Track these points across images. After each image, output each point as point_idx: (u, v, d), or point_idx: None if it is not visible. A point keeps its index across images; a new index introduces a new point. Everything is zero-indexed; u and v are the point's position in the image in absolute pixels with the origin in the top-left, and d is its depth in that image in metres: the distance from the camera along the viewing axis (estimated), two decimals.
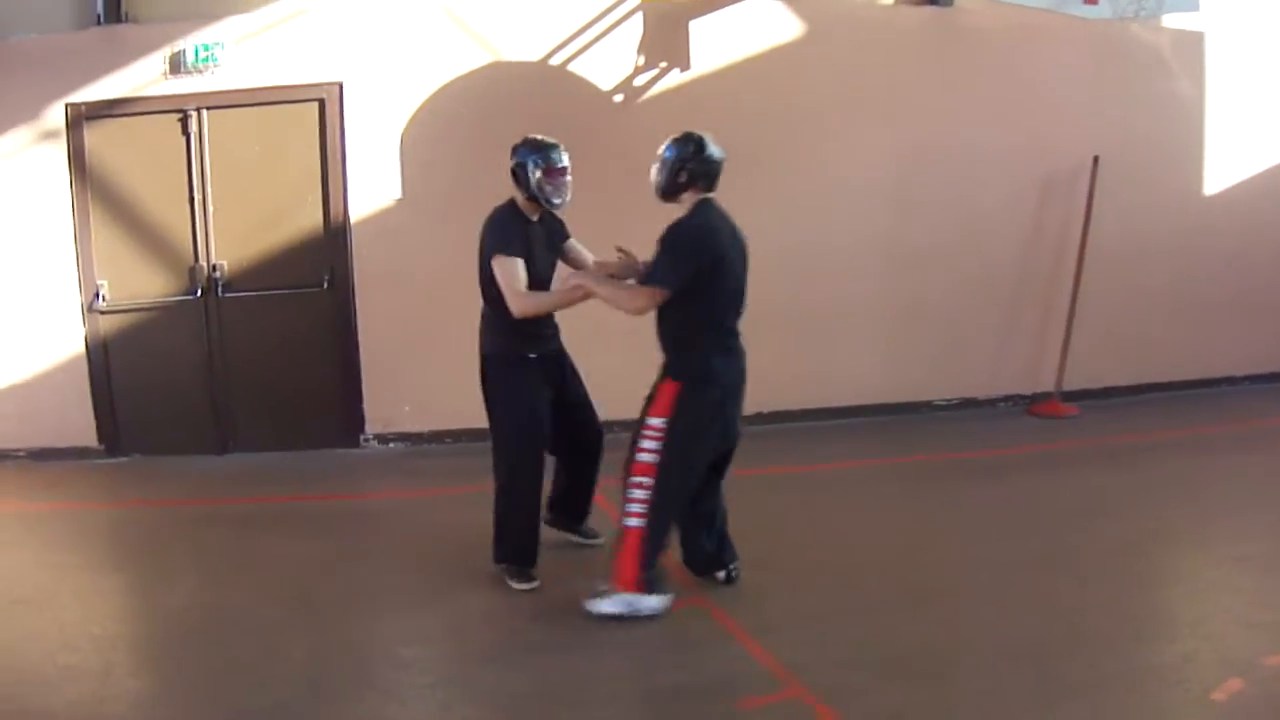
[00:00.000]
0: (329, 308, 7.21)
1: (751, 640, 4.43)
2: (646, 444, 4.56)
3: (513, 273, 4.83)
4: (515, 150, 5.07)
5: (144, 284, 7.08)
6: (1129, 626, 4.51)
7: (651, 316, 4.64)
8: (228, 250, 7.06)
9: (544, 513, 5.24)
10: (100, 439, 7.20)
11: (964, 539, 5.56)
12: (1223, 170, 7.81)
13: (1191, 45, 7.61)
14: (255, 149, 6.98)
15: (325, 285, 7.17)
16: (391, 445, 7.37)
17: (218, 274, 7.07)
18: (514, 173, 5.04)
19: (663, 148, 4.65)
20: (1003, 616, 4.63)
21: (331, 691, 4.14)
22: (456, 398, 7.31)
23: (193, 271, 7.06)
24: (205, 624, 4.73)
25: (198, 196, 6.96)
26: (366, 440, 7.35)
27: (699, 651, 4.36)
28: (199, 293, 7.08)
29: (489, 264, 4.92)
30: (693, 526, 4.87)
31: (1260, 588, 4.80)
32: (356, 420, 7.33)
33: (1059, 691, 3.96)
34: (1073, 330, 7.65)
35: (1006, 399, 7.92)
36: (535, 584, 4.97)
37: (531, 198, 4.99)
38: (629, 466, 4.61)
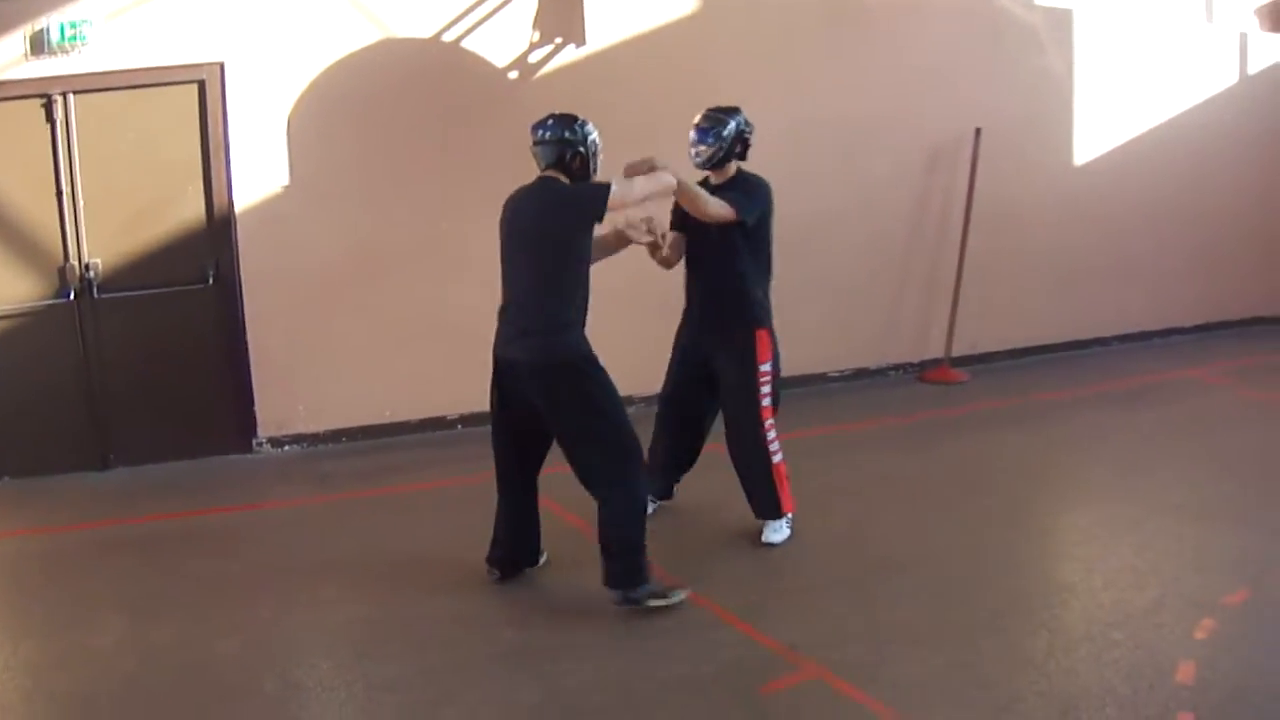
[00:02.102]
0: (214, 305, 6.71)
1: (745, 624, 4.40)
2: (764, 389, 5.09)
3: (629, 181, 4.56)
4: (578, 126, 4.54)
5: (8, 288, 6.38)
6: (1097, 577, 4.74)
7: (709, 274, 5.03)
8: (102, 247, 6.45)
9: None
10: None
11: (907, 505, 5.69)
12: (1092, 141, 8.22)
13: (1062, 22, 7.96)
14: (129, 136, 6.38)
15: (209, 281, 6.66)
16: (286, 448, 6.95)
17: (91, 274, 6.44)
18: (577, 151, 4.52)
19: (703, 119, 5.02)
20: (981, 576, 4.79)
21: None
22: (353, 395, 7.06)
23: (63, 272, 6.42)
24: (151, 666, 4.28)
25: (66, 189, 6.31)
26: (259, 444, 6.90)
27: (696, 641, 4.28)
28: (71, 295, 6.44)
29: (573, 237, 4.45)
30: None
31: (1200, 533, 5.12)
32: (248, 424, 6.86)
33: (1063, 643, 4.12)
34: (959, 297, 7.91)
35: (897, 367, 8.13)
36: (684, 593, 4.59)
37: (583, 179, 4.58)
38: (759, 410, 5.07)
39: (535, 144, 4.57)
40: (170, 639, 4.49)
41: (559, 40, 6.99)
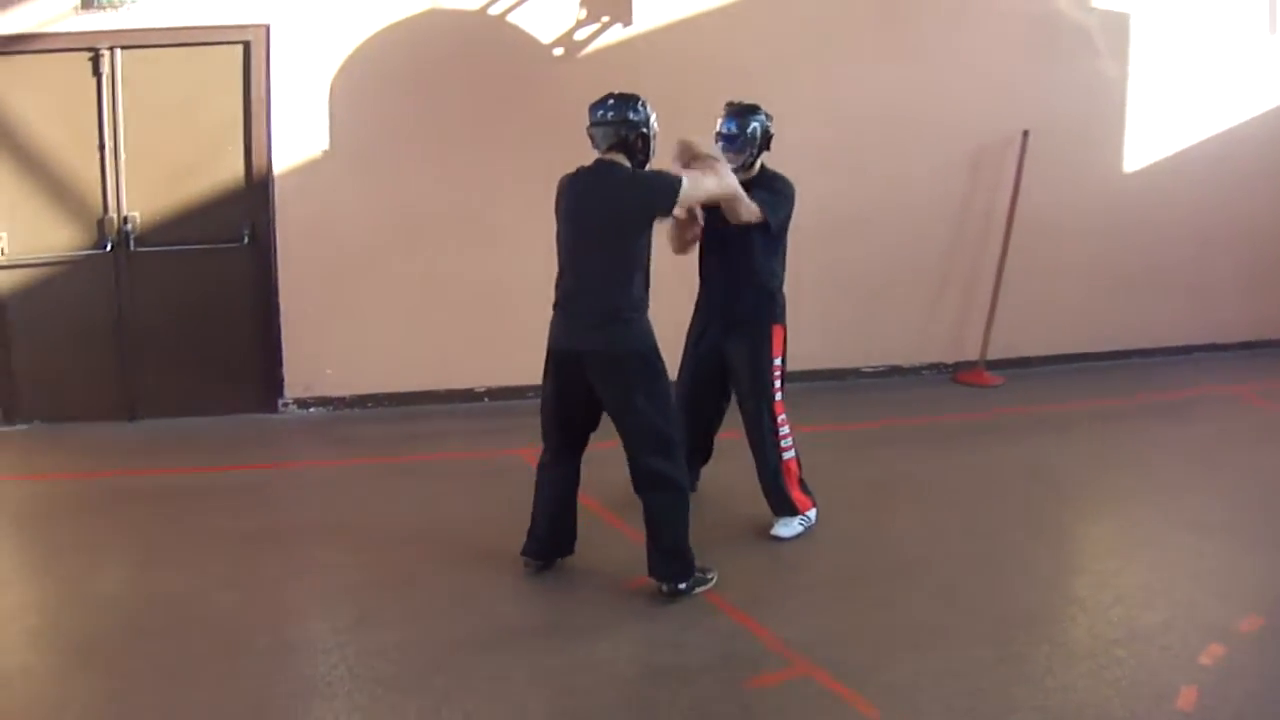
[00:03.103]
0: (248, 265, 6.77)
1: (744, 616, 4.37)
2: (776, 384, 5.13)
3: (698, 180, 4.51)
4: (640, 106, 4.42)
5: (48, 236, 6.48)
6: (1109, 592, 4.65)
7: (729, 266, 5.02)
8: (140, 202, 6.53)
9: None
10: None
11: (928, 506, 5.62)
12: (1142, 149, 8.04)
13: (1118, 25, 7.77)
14: (173, 93, 6.44)
15: (245, 241, 6.72)
16: (312, 410, 7.01)
17: (129, 227, 6.53)
18: (640, 132, 4.40)
19: (729, 124, 4.96)
20: (990, 583, 4.71)
21: (311, 686, 3.87)
22: (381, 361, 7.09)
23: (102, 224, 6.50)
24: (149, 614, 4.35)
25: (109, 143, 6.38)
26: (285, 405, 6.97)
27: (693, 630, 4.25)
28: (108, 247, 6.52)
29: (643, 225, 4.36)
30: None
31: (1221, 554, 5.00)
32: (275, 384, 6.93)
33: (1063, 657, 4.05)
34: (998, 300, 7.79)
35: (931, 367, 8.03)
36: (715, 572, 4.64)
37: (644, 162, 4.49)
38: (771, 406, 5.08)
39: (594, 124, 4.42)
40: (172, 589, 4.56)
41: (605, 19, 6.95)
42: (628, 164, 4.41)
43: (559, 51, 6.94)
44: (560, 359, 4.51)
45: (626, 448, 4.49)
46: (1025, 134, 7.61)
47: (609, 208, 4.34)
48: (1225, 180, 8.17)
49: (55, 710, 3.66)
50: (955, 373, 7.96)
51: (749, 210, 4.81)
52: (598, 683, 3.90)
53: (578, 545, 4.78)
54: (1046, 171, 7.68)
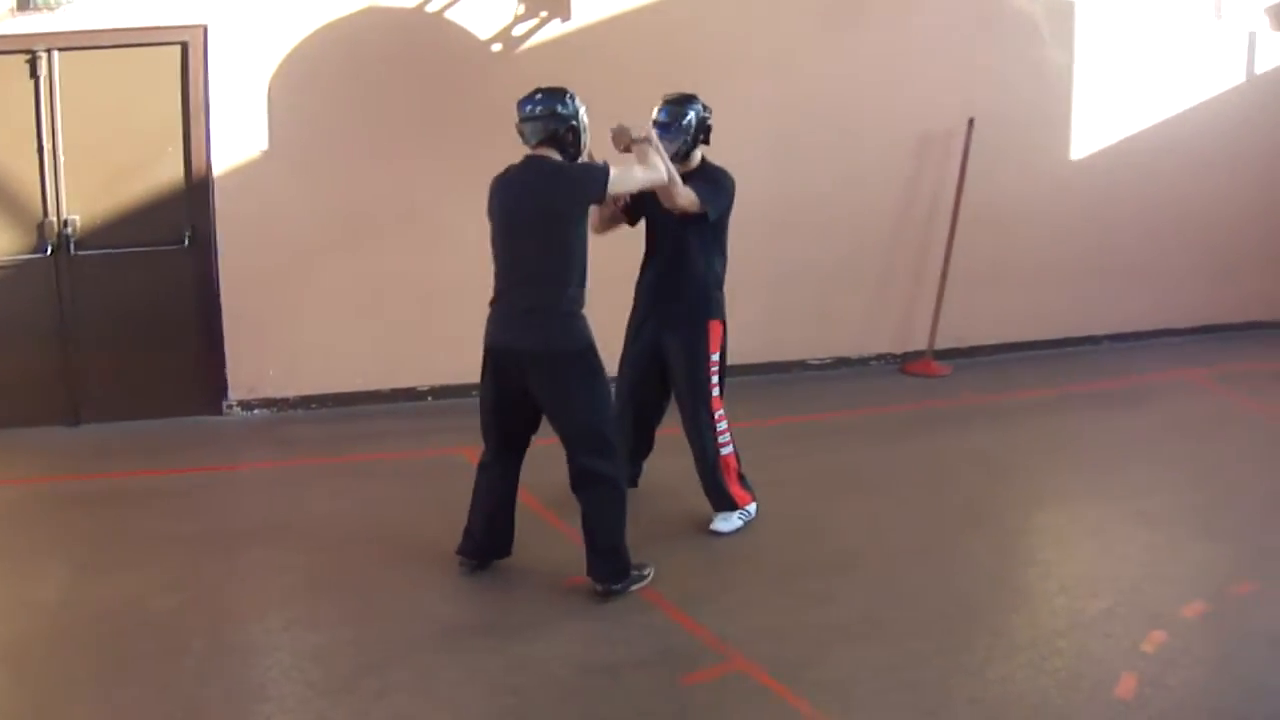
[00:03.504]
0: (189, 266, 6.68)
1: (679, 612, 4.38)
2: (713, 379, 5.10)
3: (627, 168, 4.50)
4: (568, 99, 4.40)
5: None
6: (1050, 582, 4.69)
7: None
8: (80, 204, 6.44)
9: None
10: None
11: (870, 498, 5.64)
12: (1089, 137, 8.06)
13: (1063, 13, 7.79)
14: (111, 95, 6.34)
15: (186, 242, 6.64)
16: (256, 412, 6.95)
17: (69, 230, 6.44)
18: (570, 125, 4.38)
19: (662, 113, 4.94)
20: (931, 576, 4.73)
21: (245, 690, 3.86)
22: (325, 362, 7.05)
23: (42, 227, 6.42)
24: (88, 619, 4.33)
25: (47, 145, 6.29)
26: (230, 407, 6.91)
27: (629, 627, 4.27)
28: (48, 250, 6.43)
29: (575, 217, 4.35)
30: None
31: (1164, 542, 5.04)
32: (219, 386, 6.86)
33: (1004, 648, 4.08)
34: (945, 290, 7.81)
35: (879, 358, 8.04)
36: (651, 568, 4.65)
37: (574, 155, 4.47)
38: (709, 402, 5.07)
39: (523, 120, 4.41)
40: (110, 595, 4.52)
41: (544, 14, 6.90)
42: (558, 158, 4.40)
43: (497, 48, 6.90)
44: (496, 356, 4.49)
45: (564, 446, 4.48)
46: (971, 122, 7.62)
47: (538, 202, 4.33)
48: (1174, 166, 8.20)
49: None
50: (903, 363, 7.97)
51: (686, 197, 4.79)
52: (533, 681, 3.90)
53: (516, 544, 4.76)
54: (993, 159, 7.68)
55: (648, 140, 4.59)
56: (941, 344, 7.93)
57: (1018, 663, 3.95)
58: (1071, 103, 7.94)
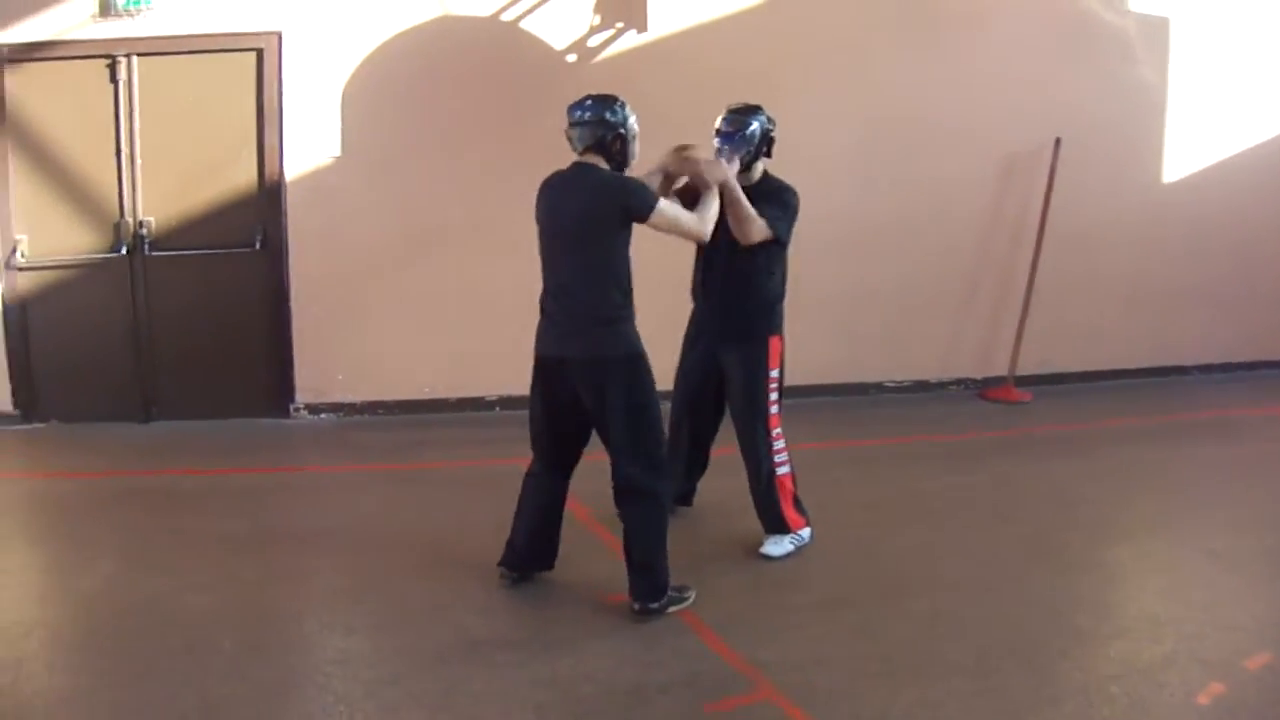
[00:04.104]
0: (260, 269, 6.83)
1: (715, 636, 4.23)
2: (772, 396, 4.94)
3: (677, 211, 4.43)
4: (617, 107, 4.35)
5: (65, 240, 6.62)
6: (1110, 623, 4.42)
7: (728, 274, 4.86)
8: (155, 206, 6.63)
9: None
10: (16, 404, 6.75)
11: (932, 527, 5.41)
12: (1183, 159, 7.75)
13: (1157, 29, 7.50)
14: (188, 100, 6.54)
15: (257, 246, 6.78)
16: (323, 416, 7.03)
17: (144, 231, 6.63)
18: (617, 133, 4.33)
19: (725, 122, 4.80)
20: (985, 611, 4.49)
21: (264, 691, 3.82)
22: (392, 368, 7.09)
23: (118, 227, 6.62)
24: (124, 611, 4.37)
25: (125, 148, 6.51)
26: (297, 410, 7.01)
27: (661, 649, 4.12)
28: (124, 250, 6.64)
29: (617, 227, 4.26)
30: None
31: (1234, 585, 4.74)
32: (287, 389, 6.98)
33: (1051, 693, 3.84)
34: (1028, 314, 7.55)
35: (958, 382, 7.81)
36: (693, 590, 4.51)
37: (622, 164, 4.42)
38: (766, 419, 4.90)
39: (572, 125, 4.39)
40: (149, 589, 4.56)
41: (620, 25, 6.89)
42: (605, 166, 4.34)
43: (572, 58, 6.89)
44: (545, 366, 4.44)
45: (610, 456, 4.40)
46: (1058, 141, 7.37)
47: (583, 210, 4.27)
48: (1271, 190, 7.84)
49: (11, 701, 3.67)
50: (983, 388, 7.72)
51: (757, 230, 4.71)
52: (555, 699, 3.79)
53: (561, 557, 4.67)
54: (1081, 180, 7.44)
55: (709, 160, 4.52)
56: (1024, 369, 7.68)
57: (1064, 710, 3.70)
58: (1165, 122, 7.64)
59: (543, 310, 4.44)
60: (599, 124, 4.31)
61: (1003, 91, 7.34)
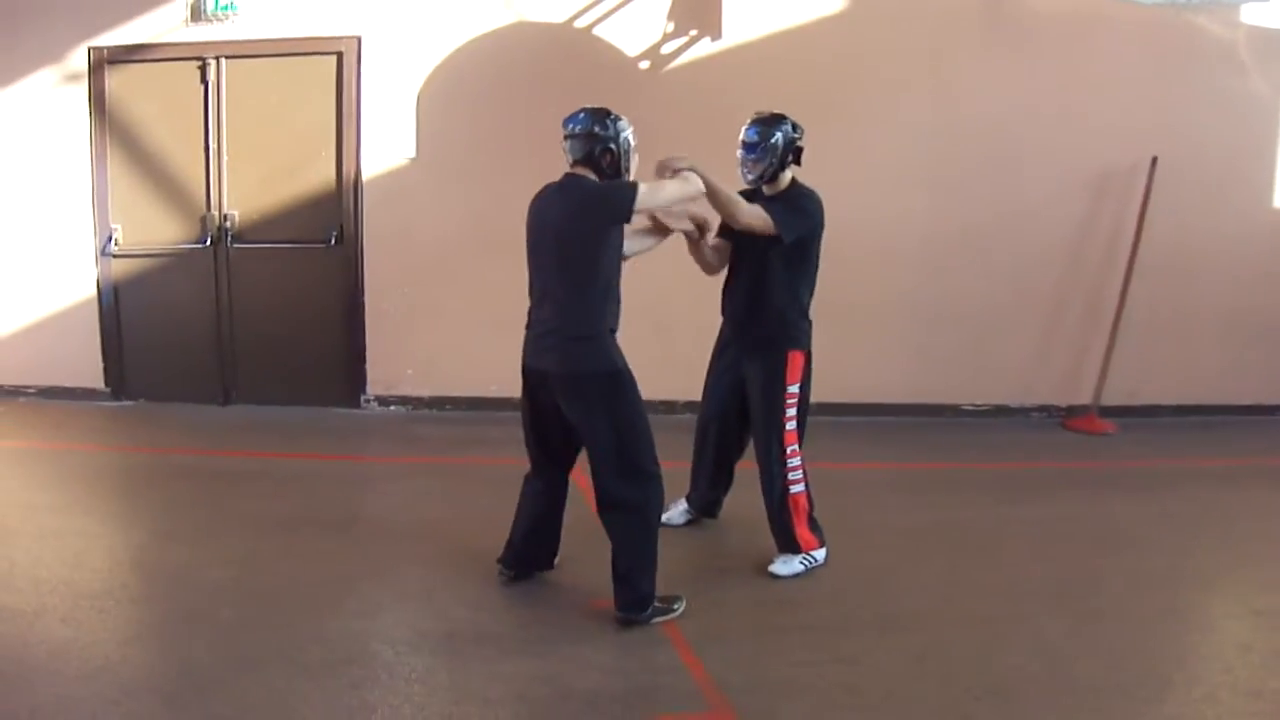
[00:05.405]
0: (336, 265, 7.11)
1: (691, 651, 4.16)
2: (789, 412, 4.84)
3: (655, 187, 4.32)
4: (609, 121, 4.36)
5: (156, 230, 7.07)
6: (1113, 678, 4.06)
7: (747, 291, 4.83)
8: (239, 201, 7.00)
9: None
10: (107, 382, 7.25)
11: (960, 560, 5.17)
12: None
13: (1269, 42, 7.00)
14: (271, 100, 6.89)
15: (334, 242, 7.06)
16: (392, 408, 7.27)
17: (228, 224, 7.01)
18: (608, 147, 4.32)
19: (750, 132, 4.75)
20: (980, 652, 4.24)
21: (238, 661, 3.98)
22: (460, 365, 7.25)
23: (204, 220, 7.03)
24: (146, 578, 4.66)
25: (213, 145, 6.92)
26: (367, 401, 7.26)
27: (632, 658, 4.10)
28: (209, 241, 7.04)
29: (601, 237, 4.22)
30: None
31: (1271, 648, 4.31)
32: (359, 380, 7.24)
33: None
34: (1116, 341, 7.15)
35: (1041, 409, 7.46)
36: (682, 602, 4.49)
37: (613, 178, 4.39)
38: (781, 435, 4.81)
39: (565, 137, 4.40)
40: (171, 561, 4.84)
41: (694, 33, 6.87)
42: (593, 178, 4.32)
43: (645, 65, 6.91)
44: (528, 377, 4.48)
45: (590, 465, 4.40)
46: (1154, 160, 6.96)
47: (564, 221, 4.26)
48: None
49: (21, 646, 3.96)
50: (1066, 417, 7.36)
51: (753, 216, 4.62)
52: (506, 696, 3.81)
53: (564, 558, 4.72)
54: (1180, 201, 7.01)
55: (691, 170, 4.45)
56: (1109, 400, 7.28)
57: None
58: (1276, 142, 7.11)
59: (527, 322, 4.48)
60: (589, 137, 4.31)
61: (1094, 105, 6.99)
